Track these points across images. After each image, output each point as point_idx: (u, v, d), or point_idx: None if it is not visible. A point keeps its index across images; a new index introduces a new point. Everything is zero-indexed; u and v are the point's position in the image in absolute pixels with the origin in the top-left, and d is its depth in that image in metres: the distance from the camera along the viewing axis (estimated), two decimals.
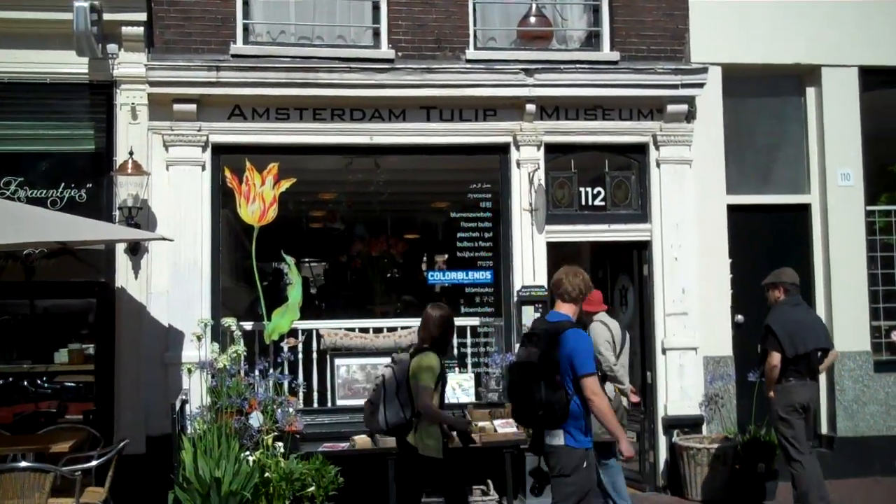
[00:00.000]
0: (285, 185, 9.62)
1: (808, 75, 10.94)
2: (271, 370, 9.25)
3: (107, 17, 9.20)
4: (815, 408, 8.80)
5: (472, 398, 10.09)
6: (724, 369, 10.30)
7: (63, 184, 9.50)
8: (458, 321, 10.19)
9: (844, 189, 10.77)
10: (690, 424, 10.16)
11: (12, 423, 9.54)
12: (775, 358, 8.31)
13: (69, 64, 9.31)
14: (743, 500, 9.63)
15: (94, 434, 8.74)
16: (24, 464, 7.17)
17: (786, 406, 8.34)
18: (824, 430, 10.68)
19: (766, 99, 11.05)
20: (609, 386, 8.56)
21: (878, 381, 10.66)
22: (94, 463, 7.69)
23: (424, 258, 13.39)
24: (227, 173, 9.57)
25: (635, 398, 8.86)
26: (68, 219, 8.33)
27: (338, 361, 10.20)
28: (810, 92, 10.97)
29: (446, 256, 12.05)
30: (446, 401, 9.90)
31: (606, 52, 10.49)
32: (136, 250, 9.42)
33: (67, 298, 10.12)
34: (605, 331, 8.68)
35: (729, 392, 10.31)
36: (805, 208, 10.91)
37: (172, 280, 9.49)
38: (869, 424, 10.56)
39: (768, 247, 10.75)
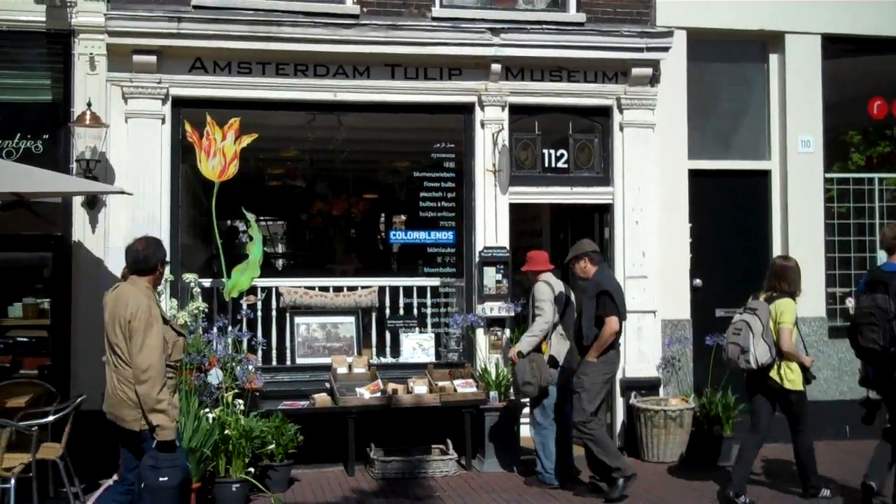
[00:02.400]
0: (246, 140, 9.49)
1: (771, 42, 10.98)
2: (230, 327, 9.17)
3: None
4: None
5: (432, 358, 10.11)
6: (682, 332, 10.40)
7: (19, 135, 9.28)
8: (419, 281, 10.26)
9: (804, 156, 10.86)
10: (647, 387, 10.25)
11: None
12: (615, 323, 8.30)
13: (26, 11, 9.10)
14: (699, 461, 9.76)
15: (50, 389, 8.62)
16: None
17: (603, 375, 8.40)
18: None
19: (730, 65, 11.08)
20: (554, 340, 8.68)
21: (831, 347, 10.81)
22: (50, 418, 7.63)
23: (386, 218, 13.35)
24: (188, 127, 9.41)
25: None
26: (24, 169, 8.13)
27: (297, 320, 10.17)
28: (773, 59, 11.01)
29: (408, 216, 12.01)
30: (407, 360, 10.07)
31: (573, 14, 10.45)
32: (93, 204, 9.26)
33: (22, 252, 9.90)
34: (549, 291, 8.76)
35: (686, 355, 10.41)
36: (765, 174, 11.00)
37: (130, 235, 9.17)
38: (822, 390, 10.70)
39: (728, 212, 10.85)
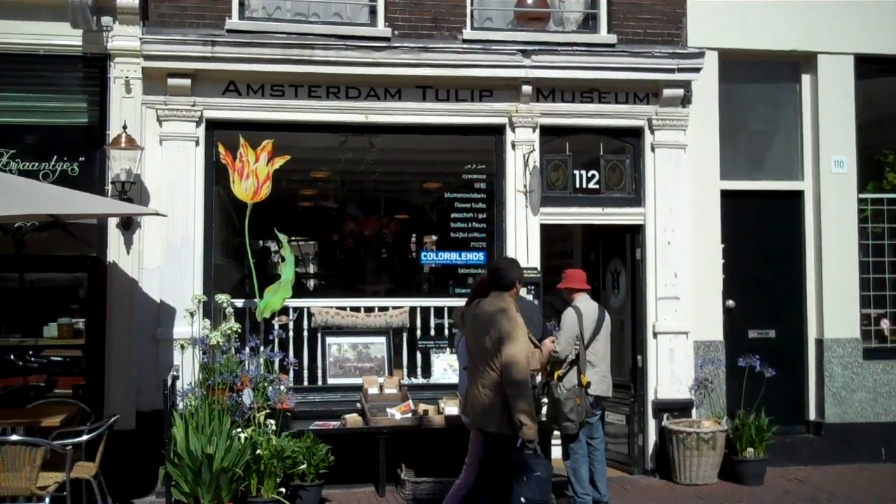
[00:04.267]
0: (279, 162, 9.56)
1: (804, 62, 10.94)
2: (263, 347, 9.23)
3: None
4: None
5: None
6: (715, 354, 10.34)
7: (55, 157, 9.42)
8: (450, 302, 10.27)
9: (837, 176, 10.79)
10: (680, 408, 10.19)
11: (0, 397, 9.50)
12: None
13: (63, 36, 9.23)
14: (732, 484, 9.68)
15: (84, 409, 8.72)
16: (15, 437, 7.16)
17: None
18: (812, 416, 10.74)
19: (762, 85, 11.05)
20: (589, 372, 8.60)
21: (866, 369, 10.70)
22: (84, 437, 7.70)
23: (417, 238, 13.37)
24: (221, 149, 9.50)
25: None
26: (61, 192, 8.25)
27: (329, 340, 10.21)
28: (806, 79, 10.96)
29: (439, 237, 12.03)
30: (438, 381, 10.06)
31: (603, 35, 10.46)
32: (128, 225, 9.37)
33: (58, 272, 10.04)
34: (572, 321, 8.62)
35: (719, 377, 10.35)
36: (798, 195, 10.92)
37: (165, 256, 9.44)
38: (857, 411, 10.62)
39: (761, 233, 10.79)
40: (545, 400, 8.85)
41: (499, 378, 6.64)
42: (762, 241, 10.78)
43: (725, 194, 10.58)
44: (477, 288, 7.37)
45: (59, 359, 10.12)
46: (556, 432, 9.11)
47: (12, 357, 10.01)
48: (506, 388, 6.57)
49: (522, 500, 6.54)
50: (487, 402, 6.71)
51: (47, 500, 7.11)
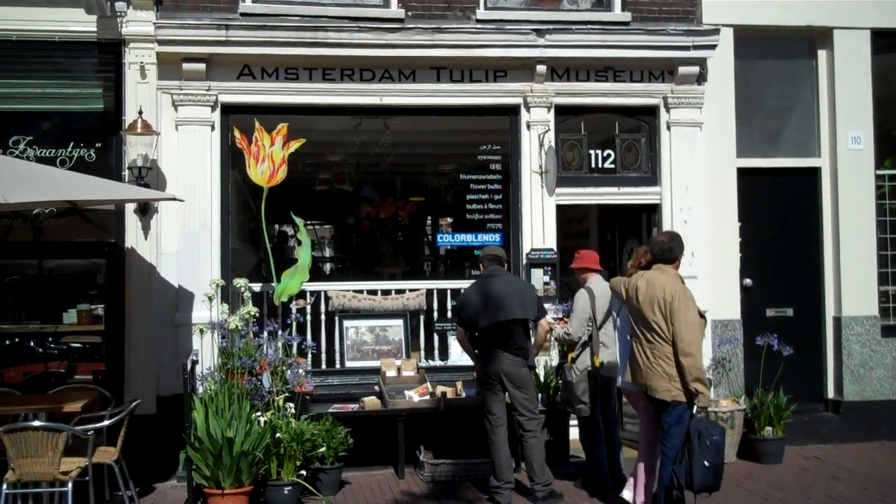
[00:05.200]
0: (294, 145, 9.56)
1: (819, 38, 10.85)
2: (281, 331, 9.25)
3: None
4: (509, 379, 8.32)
5: None
6: (732, 333, 10.31)
7: (72, 143, 9.47)
8: (466, 284, 10.25)
9: (854, 153, 10.72)
10: None
11: (22, 383, 9.55)
12: (459, 334, 8.61)
13: (78, 22, 9.23)
14: (750, 463, 9.68)
15: (104, 394, 8.78)
16: (37, 423, 7.21)
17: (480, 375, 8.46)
18: (831, 394, 10.71)
19: (778, 61, 10.96)
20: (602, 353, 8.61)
21: (885, 346, 10.66)
22: (105, 423, 7.74)
23: (432, 220, 13.37)
24: (237, 133, 9.51)
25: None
26: (78, 178, 8.27)
27: (346, 323, 10.25)
28: (822, 54, 10.88)
29: (455, 218, 12.03)
30: (455, 363, 10.08)
31: (618, 13, 10.41)
32: (145, 210, 9.40)
33: (76, 259, 10.09)
34: (585, 302, 8.65)
35: (736, 356, 10.33)
36: (815, 172, 10.86)
37: (182, 241, 9.47)
38: (875, 389, 10.59)
39: (778, 210, 10.74)
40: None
41: (670, 348, 6.98)
42: (779, 219, 10.73)
43: (742, 172, 10.53)
44: (640, 259, 7.64)
45: (78, 345, 10.18)
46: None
47: (33, 344, 10.08)
48: (680, 358, 6.89)
49: (706, 463, 6.85)
50: (661, 372, 7.03)
51: (70, 485, 7.15)
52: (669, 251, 7.33)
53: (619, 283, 7.69)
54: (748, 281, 10.53)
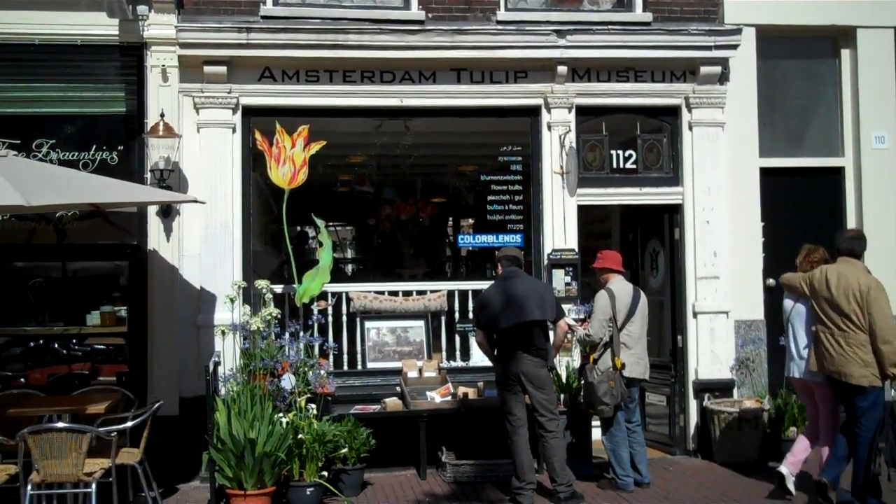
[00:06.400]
0: (315, 147, 9.56)
1: (842, 37, 10.78)
2: (302, 333, 9.28)
3: None
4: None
5: None
6: (756, 333, 10.26)
7: (95, 146, 9.51)
8: (487, 285, 10.21)
9: (878, 152, 10.64)
10: (721, 388, 10.13)
11: (46, 385, 9.63)
12: (478, 335, 8.68)
13: (100, 25, 9.29)
14: (775, 462, 9.61)
15: (127, 396, 8.83)
16: (61, 424, 7.25)
17: (499, 376, 8.46)
18: None
19: (801, 61, 10.90)
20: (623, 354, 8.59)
21: None
22: (129, 424, 7.78)
23: (453, 221, 13.37)
24: (258, 136, 9.51)
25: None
26: (101, 181, 8.32)
27: (368, 324, 10.25)
28: (845, 54, 10.81)
29: (476, 219, 12.01)
30: (477, 363, 10.05)
31: (639, 13, 10.37)
32: (167, 213, 9.44)
33: (99, 261, 10.16)
34: (605, 303, 8.66)
35: (760, 356, 10.27)
36: (838, 171, 10.78)
37: (204, 243, 9.51)
38: None
39: (801, 210, 10.66)
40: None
41: (866, 336, 7.48)
42: (803, 219, 10.65)
43: (765, 172, 10.47)
44: (812, 256, 8.26)
45: (102, 347, 10.24)
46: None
47: (57, 346, 10.15)
48: (880, 345, 7.40)
49: None
50: (856, 359, 7.50)
51: (93, 486, 7.19)
52: (858, 246, 7.96)
53: (796, 278, 8.21)
54: (771, 281, 10.44)
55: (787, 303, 8.57)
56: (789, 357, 8.48)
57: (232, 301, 8.84)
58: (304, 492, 8.18)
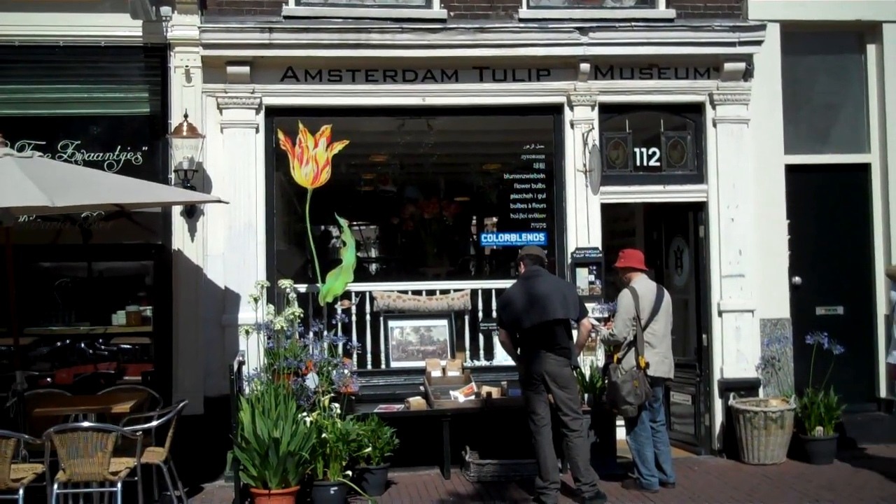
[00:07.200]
0: (338, 147, 9.59)
1: (868, 32, 10.70)
2: (326, 332, 9.28)
3: None
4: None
5: None
6: (781, 332, 10.18)
7: (119, 147, 9.58)
8: (511, 284, 10.22)
9: None
10: (747, 387, 10.06)
11: (72, 384, 9.67)
12: (501, 335, 8.63)
13: (123, 27, 9.35)
14: (801, 463, 9.55)
15: (153, 395, 8.87)
16: (86, 424, 7.29)
17: (523, 376, 8.42)
18: (883, 393, 10.52)
19: (826, 56, 10.81)
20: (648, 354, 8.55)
21: None
22: (154, 423, 7.81)
23: (477, 220, 13.34)
24: (281, 136, 9.55)
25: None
26: (125, 181, 8.36)
27: (391, 324, 10.26)
28: (871, 49, 10.73)
29: (499, 218, 11.98)
30: (501, 363, 10.05)
31: (662, 10, 10.32)
32: (192, 213, 9.49)
33: (124, 261, 10.19)
34: (629, 303, 8.63)
35: (786, 355, 10.20)
36: (865, 168, 10.70)
37: (228, 242, 9.55)
38: None
39: (827, 207, 10.60)
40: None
41: None
42: (829, 216, 10.58)
43: (790, 169, 10.39)
44: None
45: (127, 346, 10.28)
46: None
47: (83, 345, 10.19)
48: None
49: None
50: None
51: (119, 485, 7.22)
52: None
53: None
54: (797, 279, 10.40)
55: (894, 294, 8.89)
56: (893, 346, 8.80)
57: (256, 300, 8.87)
58: (327, 491, 8.19)
